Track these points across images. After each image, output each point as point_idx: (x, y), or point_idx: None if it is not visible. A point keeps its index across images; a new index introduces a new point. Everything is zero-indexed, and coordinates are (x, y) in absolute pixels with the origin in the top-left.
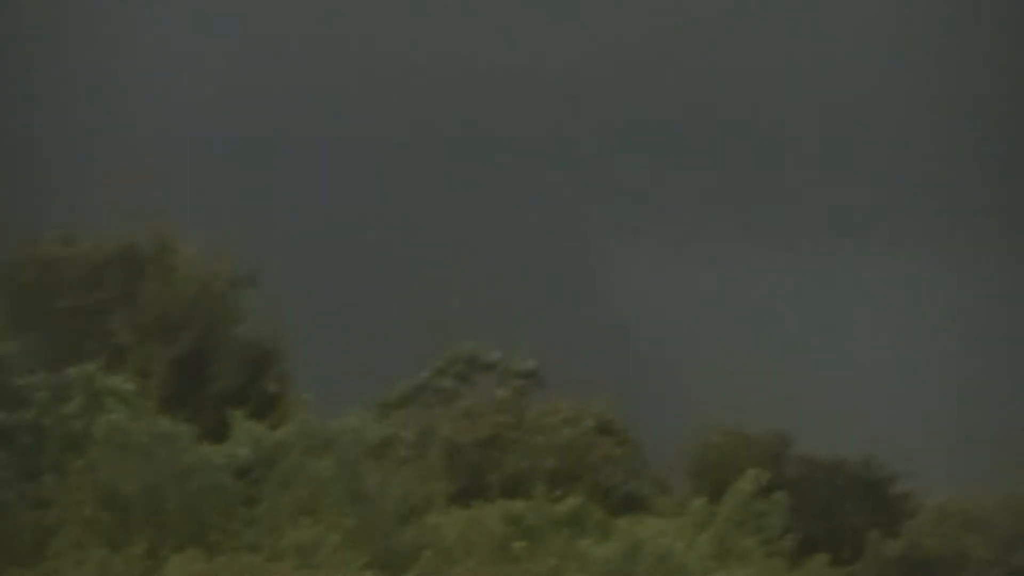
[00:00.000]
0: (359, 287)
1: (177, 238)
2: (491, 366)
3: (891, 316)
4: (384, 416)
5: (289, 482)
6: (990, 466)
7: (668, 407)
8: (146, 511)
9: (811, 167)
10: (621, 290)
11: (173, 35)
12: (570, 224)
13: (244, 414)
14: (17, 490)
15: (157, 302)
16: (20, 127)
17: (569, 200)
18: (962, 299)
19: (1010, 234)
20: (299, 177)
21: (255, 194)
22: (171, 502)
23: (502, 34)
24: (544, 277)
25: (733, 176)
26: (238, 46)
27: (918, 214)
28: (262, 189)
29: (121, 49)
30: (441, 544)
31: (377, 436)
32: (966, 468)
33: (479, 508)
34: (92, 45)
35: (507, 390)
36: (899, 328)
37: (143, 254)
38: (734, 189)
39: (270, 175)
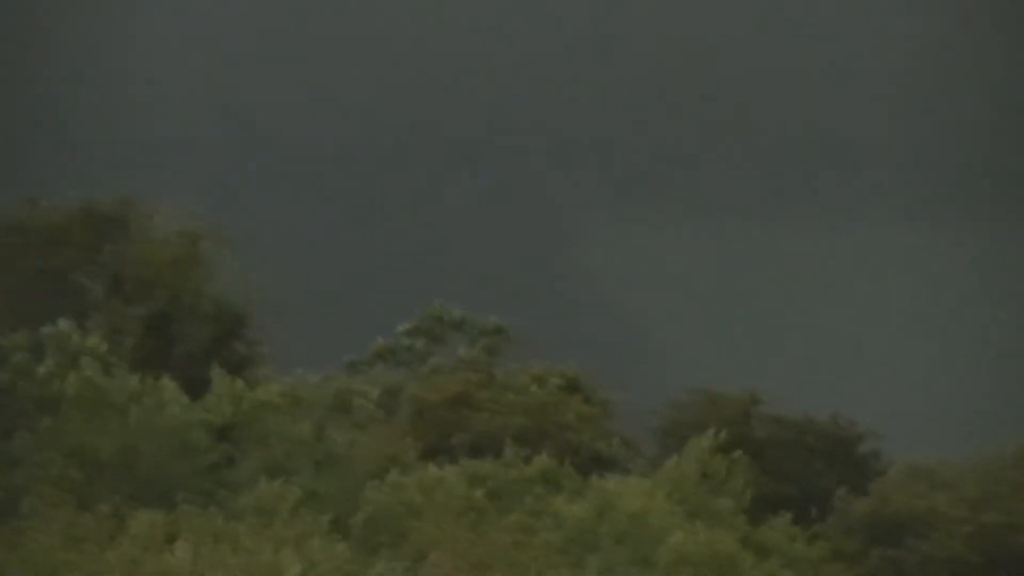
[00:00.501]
0: (336, 255)
1: (146, 202)
2: (457, 324)
3: (866, 288)
4: (355, 375)
5: (265, 442)
6: (966, 432)
7: (647, 373)
8: (117, 469)
9: (793, 143)
10: (604, 261)
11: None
12: (556, 196)
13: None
14: None
15: (126, 262)
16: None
17: (552, 174)
18: (939, 275)
19: (986, 211)
20: (285, 150)
21: (237, 165)
22: (143, 460)
23: (480, 17)
24: (526, 247)
25: (721, 152)
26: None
27: (892, 190)
28: (243, 160)
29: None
30: (408, 503)
31: (346, 396)
32: (944, 434)
33: (445, 467)
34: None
35: (475, 349)
36: (877, 299)
37: (105, 215)
38: (723, 164)
39: (252, 150)
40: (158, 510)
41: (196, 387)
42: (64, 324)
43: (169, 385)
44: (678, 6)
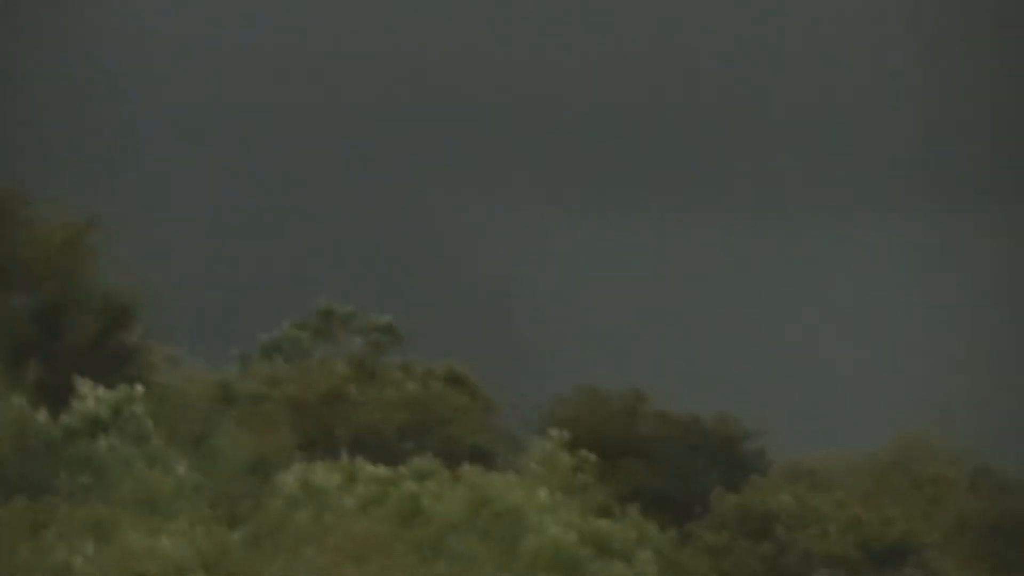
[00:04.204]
0: (233, 247)
1: (28, 192)
2: (346, 320)
3: (796, 288)
4: (243, 369)
5: (140, 436)
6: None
7: (546, 372)
8: None
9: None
10: (504, 256)
11: None
12: (456, 190)
13: (98, 366)
14: None
15: (12, 251)
16: None
17: (454, 166)
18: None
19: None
20: (172, 142)
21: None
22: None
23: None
24: (422, 243)
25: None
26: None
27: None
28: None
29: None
30: (288, 498)
31: (231, 389)
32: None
33: (318, 464)
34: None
35: (362, 344)
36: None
37: None
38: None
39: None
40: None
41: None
42: None
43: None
44: None
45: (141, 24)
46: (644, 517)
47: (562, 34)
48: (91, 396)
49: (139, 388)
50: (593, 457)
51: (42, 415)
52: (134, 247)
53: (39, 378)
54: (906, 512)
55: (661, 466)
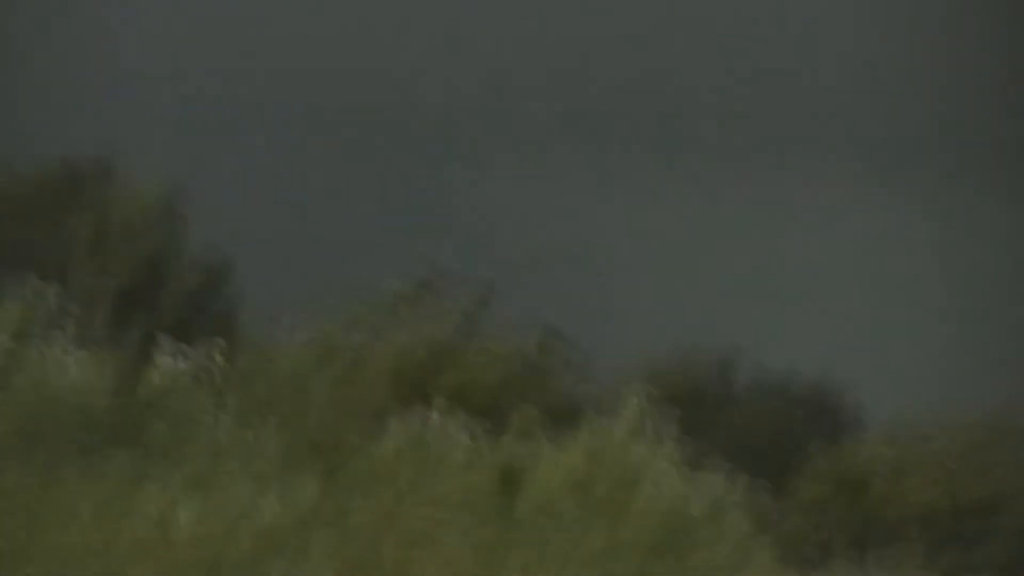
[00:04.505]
0: (322, 203)
1: (115, 164)
2: (448, 277)
3: (840, 248)
4: (344, 323)
5: (222, 394)
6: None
7: (619, 330)
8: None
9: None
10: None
11: None
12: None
13: (196, 324)
14: None
15: (96, 229)
16: None
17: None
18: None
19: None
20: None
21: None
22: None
23: None
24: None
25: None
26: None
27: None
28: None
29: None
30: (381, 458)
31: (326, 342)
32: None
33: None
34: None
35: (465, 302)
36: (847, 260)
37: (79, 178)
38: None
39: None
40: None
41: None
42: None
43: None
44: None
45: None
46: (739, 472)
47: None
48: (176, 353)
49: (221, 342)
50: (679, 412)
51: (143, 370)
52: (220, 213)
53: (143, 332)
54: (1003, 464)
55: (758, 422)
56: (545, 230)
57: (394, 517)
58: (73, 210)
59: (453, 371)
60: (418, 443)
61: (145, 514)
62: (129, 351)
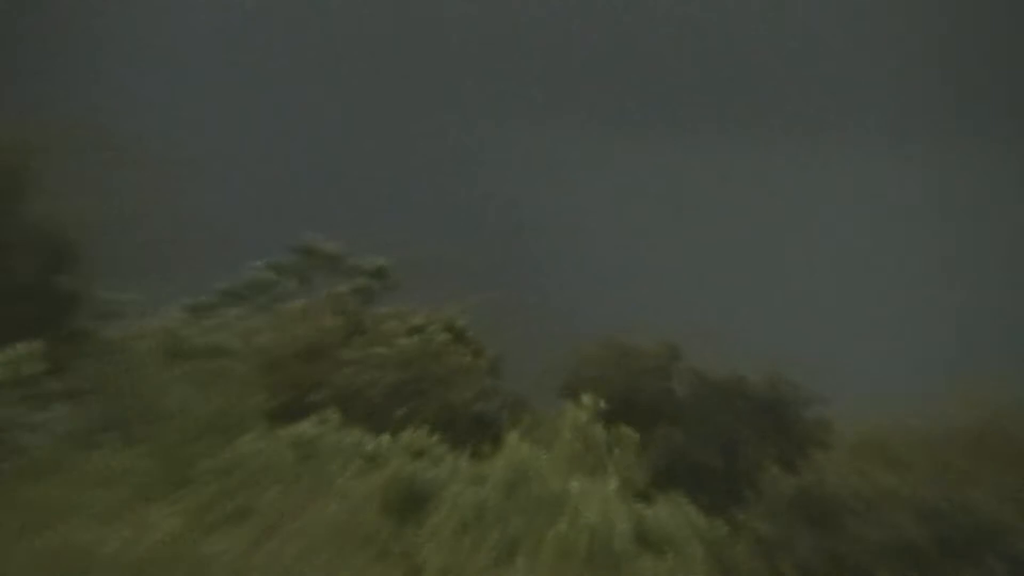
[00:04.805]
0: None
1: None
2: (332, 260)
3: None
4: (202, 319)
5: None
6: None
7: (569, 316)
8: None
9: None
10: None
11: None
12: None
13: (33, 315)
14: None
15: None
16: None
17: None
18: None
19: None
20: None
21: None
22: None
23: None
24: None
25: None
26: None
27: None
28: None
29: None
30: (246, 469)
31: (186, 343)
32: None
33: (283, 431)
34: None
35: (347, 289)
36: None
37: None
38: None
39: None
40: None
41: (21, 326)
42: None
43: None
44: None
45: None
46: (687, 500)
47: None
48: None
49: (37, 344)
50: (634, 434)
51: None
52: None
53: None
54: (992, 491)
55: (700, 436)
56: (465, 196)
57: (260, 552)
58: None
59: (337, 374)
60: (291, 461)
61: None
62: None
